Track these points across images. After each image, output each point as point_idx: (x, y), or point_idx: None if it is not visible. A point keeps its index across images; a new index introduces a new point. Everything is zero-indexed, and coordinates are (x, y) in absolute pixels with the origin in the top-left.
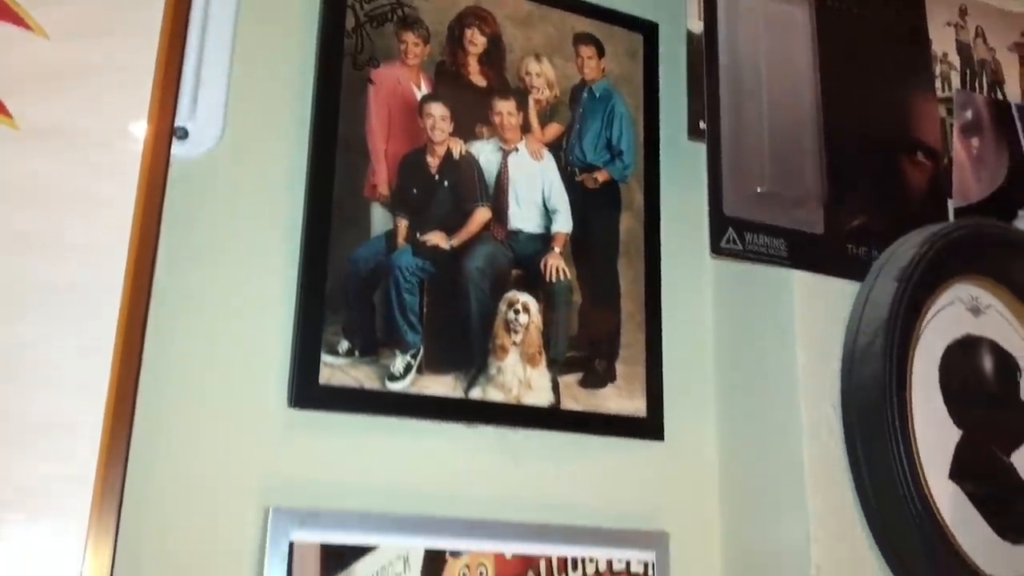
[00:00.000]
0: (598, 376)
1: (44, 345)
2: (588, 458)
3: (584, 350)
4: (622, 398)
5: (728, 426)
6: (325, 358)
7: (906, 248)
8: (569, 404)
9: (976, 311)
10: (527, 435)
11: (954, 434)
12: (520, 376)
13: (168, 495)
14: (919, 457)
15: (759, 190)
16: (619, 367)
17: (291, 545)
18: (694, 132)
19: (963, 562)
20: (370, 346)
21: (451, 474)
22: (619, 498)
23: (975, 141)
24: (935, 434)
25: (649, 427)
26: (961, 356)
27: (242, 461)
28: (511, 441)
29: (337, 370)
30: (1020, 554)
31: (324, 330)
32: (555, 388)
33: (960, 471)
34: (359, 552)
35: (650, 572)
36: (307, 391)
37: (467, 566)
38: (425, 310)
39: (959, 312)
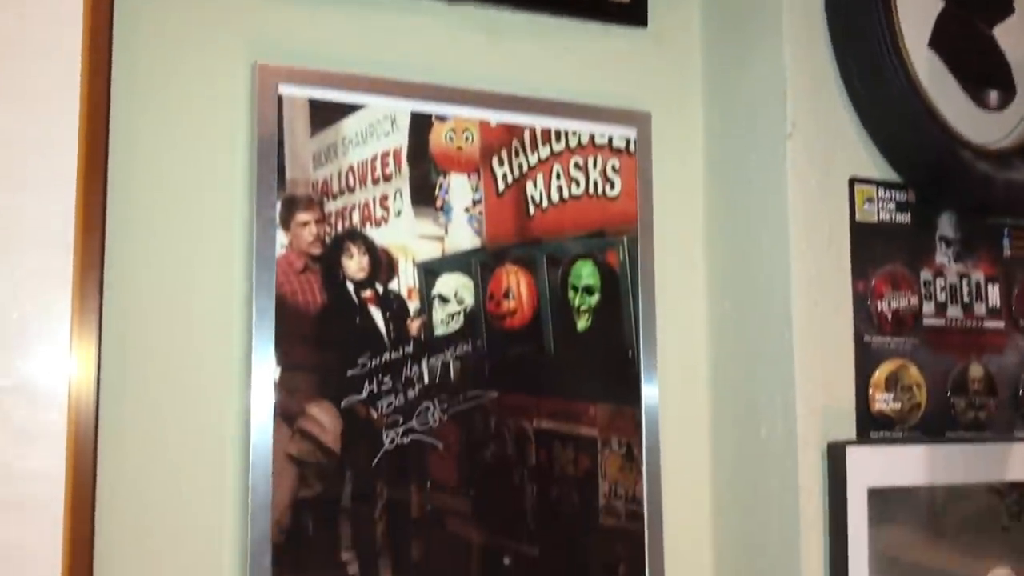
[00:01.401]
0: None
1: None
2: (573, 42)
3: None
4: None
5: (712, 13)
6: None
7: None
8: None
9: None
10: (512, 15)
11: (936, 3)
12: None
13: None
14: (899, 23)
15: None
16: None
17: (280, 98)
18: None
19: (943, 128)
20: None
21: (435, 48)
22: (603, 79)
23: None
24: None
25: (633, 12)
26: None
27: (229, 14)
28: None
29: None
30: (995, 121)
31: None
32: None
33: (940, 40)
34: (347, 109)
35: (631, 147)
36: None
37: (453, 130)
38: None
39: None
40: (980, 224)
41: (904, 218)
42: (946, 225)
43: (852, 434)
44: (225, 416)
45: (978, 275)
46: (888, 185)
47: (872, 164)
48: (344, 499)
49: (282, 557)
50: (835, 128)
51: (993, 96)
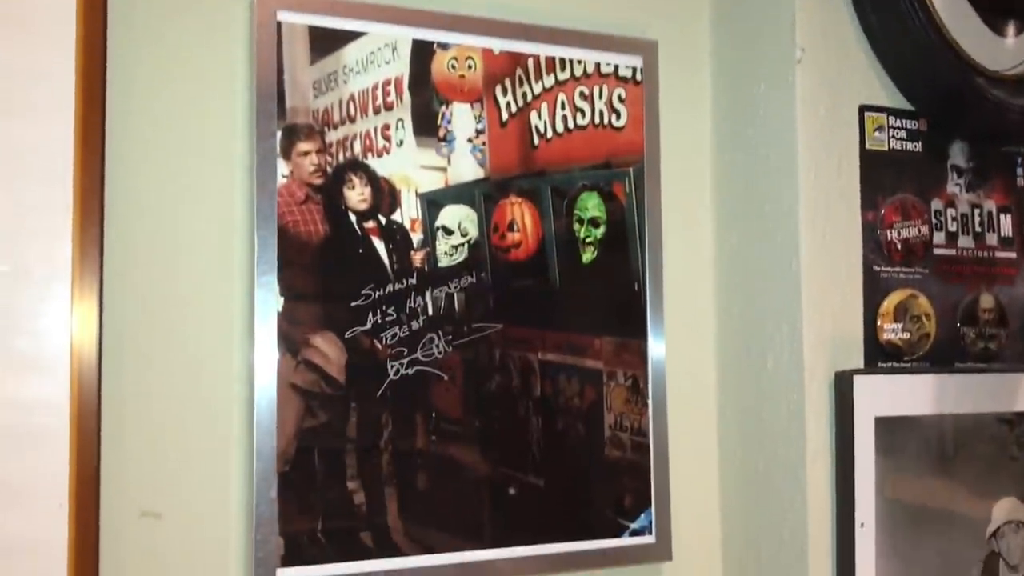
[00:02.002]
0: None
1: None
2: None
3: None
4: None
5: None
6: None
7: None
8: None
9: None
10: None
11: None
12: None
13: None
14: None
15: None
16: None
17: (279, 25)
18: None
19: (957, 54)
20: None
21: None
22: (608, 7)
23: None
24: None
25: None
26: None
27: None
28: None
29: None
30: (1010, 46)
31: None
32: None
33: None
34: (347, 37)
35: (638, 76)
36: None
37: (455, 59)
38: None
39: None
40: (993, 153)
41: (915, 147)
42: (958, 154)
43: (860, 365)
44: (229, 346)
45: (990, 205)
46: (899, 113)
47: (883, 91)
48: (349, 429)
49: (288, 487)
50: (845, 54)
51: (1009, 22)
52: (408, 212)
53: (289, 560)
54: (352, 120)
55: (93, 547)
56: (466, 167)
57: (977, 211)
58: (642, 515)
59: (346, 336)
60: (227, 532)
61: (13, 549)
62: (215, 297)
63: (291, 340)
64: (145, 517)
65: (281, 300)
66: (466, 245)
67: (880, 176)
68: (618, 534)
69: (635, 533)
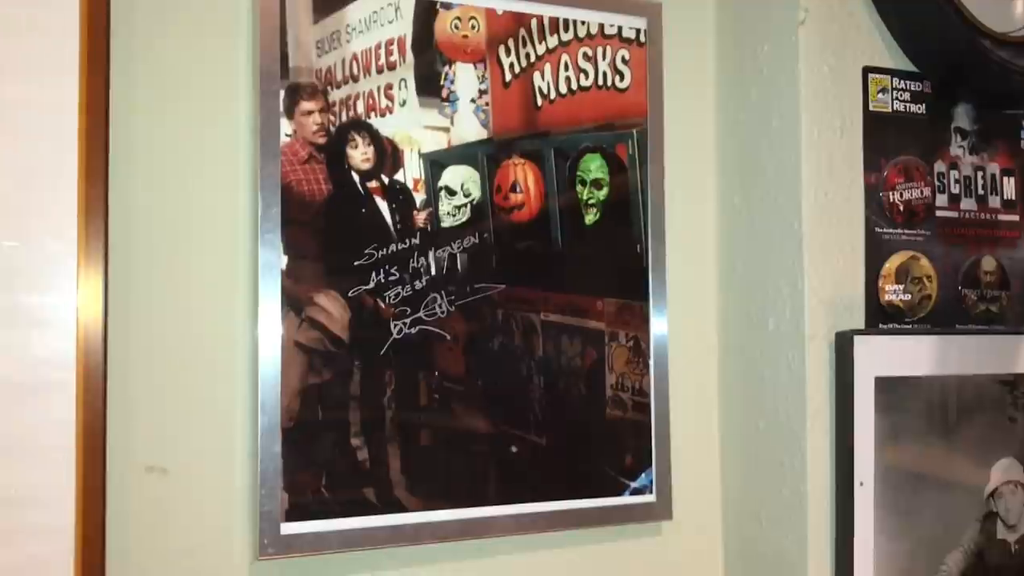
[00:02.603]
0: None
1: None
2: None
3: None
4: None
5: None
6: None
7: None
8: None
9: None
10: None
11: None
12: None
13: None
14: None
15: None
16: None
17: None
18: None
19: (961, 15)
20: None
21: None
22: None
23: None
24: None
25: None
26: None
27: None
28: None
29: None
30: (1016, 7)
31: None
32: None
33: None
34: None
35: (641, 38)
36: None
37: (458, 18)
38: None
39: None
40: (997, 116)
41: (919, 109)
42: (962, 116)
43: (861, 326)
44: (233, 304)
45: (993, 167)
46: (903, 75)
47: (887, 53)
48: (353, 387)
49: (292, 443)
50: (849, 15)
51: None
52: (411, 172)
53: (293, 515)
54: (355, 80)
55: (99, 501)
56: (469, 128)
57: (980, 173)
58: (643, 474)
59: (349, 295)
60: (232, 487)
61: (22, 501)
62: (219, 255)
63: (295, 298)
64: (151, 472)
65: (284, 258)
66: (469, 206)
67: (883, 138)
68: (619, 493)
69: (636, 492)
